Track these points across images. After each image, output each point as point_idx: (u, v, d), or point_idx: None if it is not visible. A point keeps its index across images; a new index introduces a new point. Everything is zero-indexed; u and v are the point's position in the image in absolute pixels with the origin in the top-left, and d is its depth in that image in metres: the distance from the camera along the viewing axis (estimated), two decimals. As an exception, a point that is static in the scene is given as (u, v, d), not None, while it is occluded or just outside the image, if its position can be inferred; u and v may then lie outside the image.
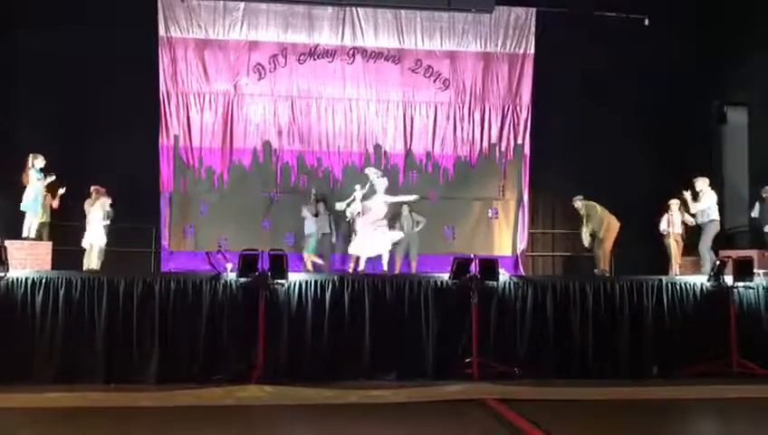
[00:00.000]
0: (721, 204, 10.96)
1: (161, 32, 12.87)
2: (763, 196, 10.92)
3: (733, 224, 12.14)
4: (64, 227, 10.89)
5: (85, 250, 10.36)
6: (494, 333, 8.73)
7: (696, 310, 9.06)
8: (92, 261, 10.26)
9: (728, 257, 9.25)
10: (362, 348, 8.52)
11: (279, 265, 8.31)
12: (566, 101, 13.13)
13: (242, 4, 13.15)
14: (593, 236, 11.03)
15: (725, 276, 9.02)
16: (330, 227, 12.18)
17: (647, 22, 13.12)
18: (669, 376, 8.57)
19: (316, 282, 8.63)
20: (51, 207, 10.62)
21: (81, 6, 12.17)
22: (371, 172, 11.77)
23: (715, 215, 10.44)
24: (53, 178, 10.31)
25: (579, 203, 11.24)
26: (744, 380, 8.35)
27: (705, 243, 10.31)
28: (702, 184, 10.57)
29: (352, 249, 11.41)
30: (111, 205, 10.70)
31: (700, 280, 9.23)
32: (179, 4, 12.96)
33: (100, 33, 12.12)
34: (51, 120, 12.06)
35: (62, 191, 10.59)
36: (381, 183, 11.58)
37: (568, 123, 13.19)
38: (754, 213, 11.07)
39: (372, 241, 11.22)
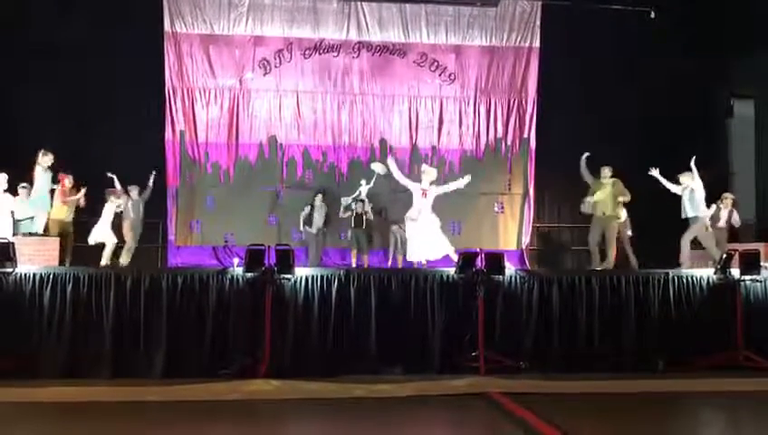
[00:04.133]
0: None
1: (166, 27, 12.92)
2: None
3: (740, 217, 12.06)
4: (75, 224, 10.90)
5: (98, 246, 10.56)
6: (499, 326, 8.72)
7: (703, 303, 9.04)
8: (104, 257, 10.47)
9: (735, 251, 9.20)
10: (368, 342, 8.53)
11: (285, 259, 8.32)
12: (572, 95, 13.09)
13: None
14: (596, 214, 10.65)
15: (732, 270, 9.00)
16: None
17: (653, 14, 13.08)
18: (676, 370, 8.54)
19: (322, 277, 8.63)
20: (78, 205, 10.71)
21: (86, 1, 12.20)
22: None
23: (703, 211, 10.06)
24: (68, 177, 10.44)
25: (608, 171, 10.57)
26: (751, 373, 8.33)
27: (688, 236, 10.02)
28: (687, 179, 10.19)
29: (415, 255, 10.21)
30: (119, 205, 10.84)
31: (707, 273, 9.20)
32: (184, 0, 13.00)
33: (104, 28, 12.17)
34: (55, 115, 12.06)
35: (83, 191, 10.58)
36: (430, 172, 10.45)
37: (573, 117, 13.14)
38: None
39: (433, 243, 10.09)
